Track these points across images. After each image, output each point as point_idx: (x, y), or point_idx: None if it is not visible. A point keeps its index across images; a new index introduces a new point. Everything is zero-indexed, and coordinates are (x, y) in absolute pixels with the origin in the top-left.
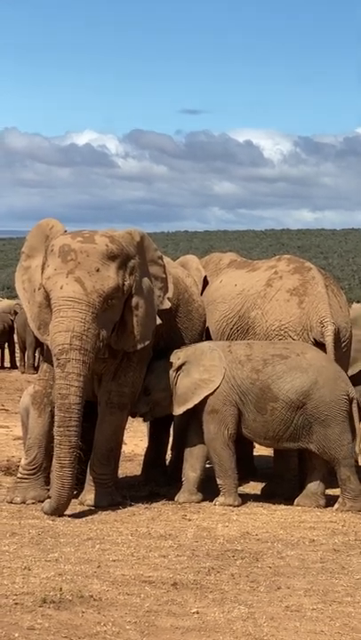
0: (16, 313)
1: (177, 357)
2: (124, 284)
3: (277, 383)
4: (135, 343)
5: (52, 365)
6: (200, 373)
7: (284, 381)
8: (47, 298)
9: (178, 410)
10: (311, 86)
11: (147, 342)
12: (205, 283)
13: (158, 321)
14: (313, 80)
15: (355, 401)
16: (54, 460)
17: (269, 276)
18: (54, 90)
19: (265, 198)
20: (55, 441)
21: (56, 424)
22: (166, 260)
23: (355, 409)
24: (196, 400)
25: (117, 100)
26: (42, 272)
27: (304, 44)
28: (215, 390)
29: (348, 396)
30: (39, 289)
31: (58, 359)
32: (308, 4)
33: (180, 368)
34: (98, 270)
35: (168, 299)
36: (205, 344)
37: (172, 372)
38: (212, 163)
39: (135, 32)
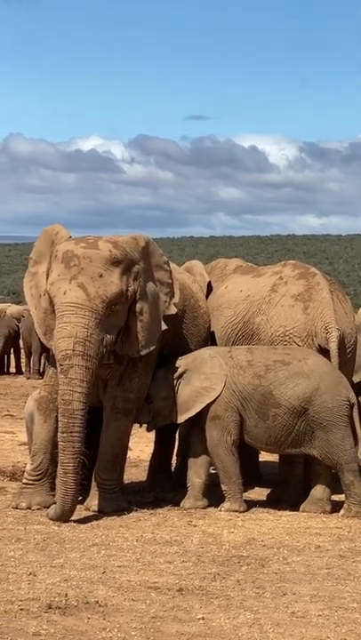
0: (22, 317)
1: (178, 365)
2: (127, 290)
3: (280, 389)
4: (140, 349)
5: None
6: (201, 381)
7: (286, 387)
8: (52, 303)
9: (180, 418)
10: (316, 92)
11: (152, 348)
12: (210, 288)
13: (164, 326)
14: (317, 85)
15: (355, 406)
16: (58, 466)
17: (274, 281)
18: (59, 95)
19: (270, 204)
20: (59, 447)
21: (60, 430)
22: (172, 265)
23: (356, 414)
24: (198, 408)
25: (122, 106)
26: (46, 278)
27: (308, 50)
28: (217, 397)
29: (349, 401)
30: (44, 294)
31: (61, 365)
32: (311, 10)
33: (180, 376)
34: (101, 276)
35: (174, 304)
36: (205, 351)
37: (172, 381)
38: (218, 168)
39: (140, 37)
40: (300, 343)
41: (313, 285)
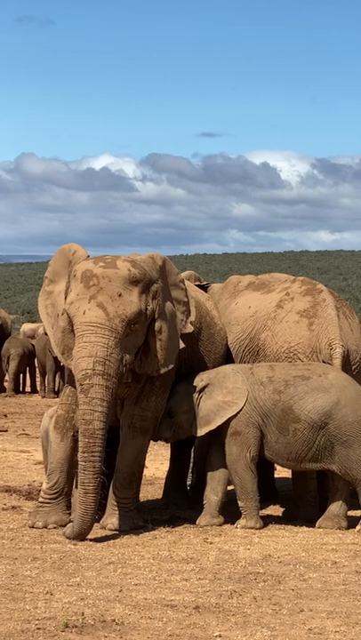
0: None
1: (200, 380)
2: (146, 309)
3: (299, 404)
4: (159, 367)
5: (76, 390)
6: (223, 395)
7: (305, 402)
8: (70, 323)
9: (200, 432)
10: (326, 108)
11: (170, 366)
12: None
13: (181, 345)
14: (327, 102)
15: None
16: (78, 486)
17: (281, 297)
18: (69, 114)
19: (284, 220)
20: (79, 466)
21: (80, 450)
22: (187, 283)
23: None
24: (219, 422)
25: (133, 124)
26: (65, 297)
27: (318, 66)
28: (238, 412)
29: None
30: (62, 314)
31: (81, 384)
32: (322, 27)
33: (202, 390)
34: (120, 295)
35: (191, 323)
36: (228, 367)
37: (194, 395)
38: (230, 185)
39: (151, 56)
40: (304, 359)
41: (319, 302)
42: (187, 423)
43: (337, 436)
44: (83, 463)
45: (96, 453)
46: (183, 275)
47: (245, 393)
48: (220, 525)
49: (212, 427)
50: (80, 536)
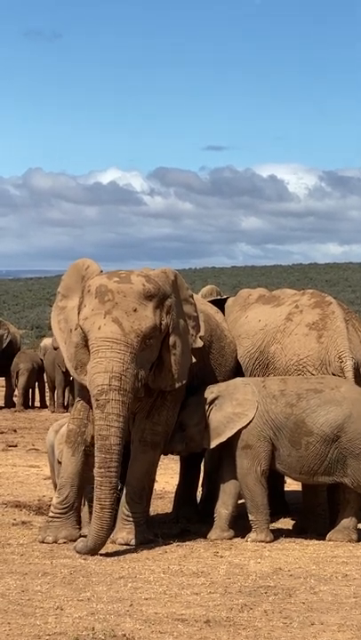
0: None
1: (210, 392)
2: (161, 324)
3: (312, 417)
4: (173, 382)
5: (88, 405)
6: (233, 407)
7: (318, 415)
8: (84, 338)
9: (211, 444)
10: (332, 120)
11: (184, 381)
12: None
13: (193, 359)
14: (333, 114)
15: None
16: (94, 501)
17: (290, 310)
18: (75, 129)
19: (292, 233)
20: (95, 482)
21: (97, 465)
22: (195, 297)
23: None
24: (229, 433)
25: (139, 138)
26: (78, 312)
27: (323, 78)
28: (249, 425)
29: None
30: (76, 329)
31: (97, 400)
32: (327, 39)
33: (212, 402)
34: (135, 310)
35: (200, 337)
36: (239, 379)
37: (205, 407)
38: (238, 198)
39: (156, 70)
40: (313, 372)
41: (328, 314)
42: (198, 436)
43: (349, 449)
44: (99, 479)
45: (112, 469)
46: (205, 289)
47: (255, 404)
48: (230, 539)
49: (223, 439)
50: (93, 551)
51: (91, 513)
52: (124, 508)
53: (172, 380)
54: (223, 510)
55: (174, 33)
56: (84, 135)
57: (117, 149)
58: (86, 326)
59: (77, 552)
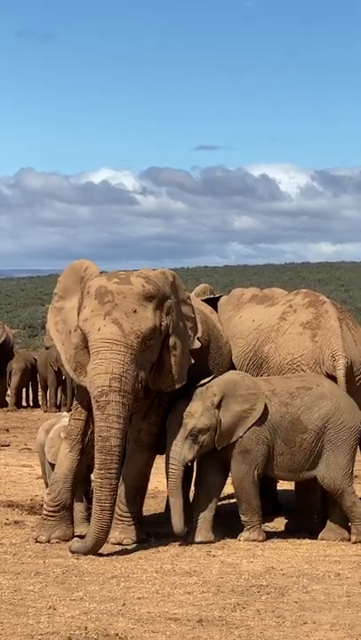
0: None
1: (212, 394)
2: (161, 325)
3: (307, 414)
4: (173, 383)
5: (89, 406)
6: (240, 405)
7: (312, 411)
8: (84, 340)
9: (221, 443)
10: (324, 120)
11: (184, 382)
12: None
13: (192, 361)
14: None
15: None
16: (94, 503)
17: (284, 309)
18: (67, 128)
19: (284, 232)
20: (96, 483)
21: (97, 467)
22: (192, 297)
23: None
24: (241, 432)
25: (130, 138)
26: (77, 314)
27: (315, 78)
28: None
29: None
30: (75, 330)
31: (97, 401)
32: (320, 39)
33: (219, 404)
34: (135, 311)
35: (198, 338)
36: (234, 373)
37: (213, 411)
38: (230, 198)
39: (149, 69)
40: (307, 371)
41: (321, 313)
42: (211, 441)
43: (333, 440)
44: (99, 480)
45: (113, 470)
46: (198, 288)
47: (260, 396)
48: (216, 541)
49: (235, 438)
50: (92, 551)
51: (83, 512)
52: (117, 508)
53: (173, 381)
54: (207, 512)
55: (167, 33)
56: (76, 135)
57: (109, 149)
58: (86, 327)
59: (74, 552)
